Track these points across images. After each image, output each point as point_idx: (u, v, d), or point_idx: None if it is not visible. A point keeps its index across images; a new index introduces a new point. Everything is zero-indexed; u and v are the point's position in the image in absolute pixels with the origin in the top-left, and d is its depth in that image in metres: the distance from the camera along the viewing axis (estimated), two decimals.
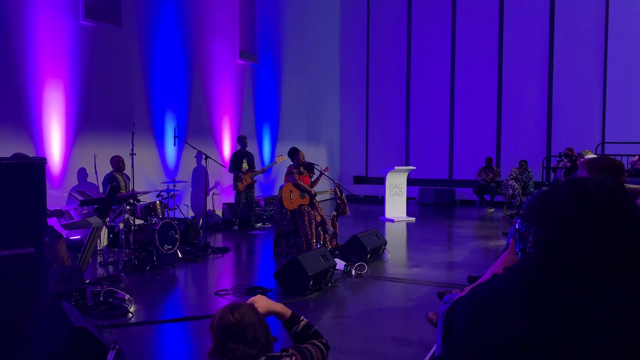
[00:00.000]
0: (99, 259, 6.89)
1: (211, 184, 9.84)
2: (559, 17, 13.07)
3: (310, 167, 7.49)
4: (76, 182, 7.40)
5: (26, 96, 6.77)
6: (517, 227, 1.18)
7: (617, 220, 1.03)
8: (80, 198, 5.60)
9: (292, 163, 7.48)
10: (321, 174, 7.52)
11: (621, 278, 1.02)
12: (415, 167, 11.91)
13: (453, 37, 14.23)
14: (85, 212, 5.52)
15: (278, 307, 2.01)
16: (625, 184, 3.13)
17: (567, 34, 12.99)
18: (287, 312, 2.02)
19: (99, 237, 6.24)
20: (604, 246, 1.02)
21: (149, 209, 6.87)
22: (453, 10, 14.21)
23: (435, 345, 3.60)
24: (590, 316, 0.99)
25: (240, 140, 9.68)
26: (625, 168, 3.78)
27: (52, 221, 5.64)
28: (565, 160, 9.78)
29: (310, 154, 10.69)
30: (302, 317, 2.05)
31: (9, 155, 5.15)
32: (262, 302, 1.94)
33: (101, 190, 7.29)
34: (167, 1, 9.06)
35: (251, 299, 1.94)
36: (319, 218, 7.10)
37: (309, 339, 1.97)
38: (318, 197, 7.51)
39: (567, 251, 1.04)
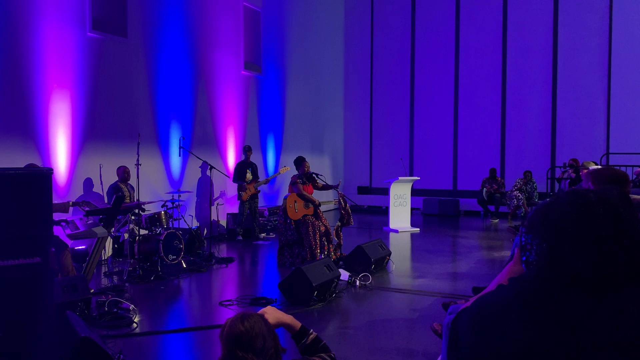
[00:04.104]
0: (104, 269, 6.91)
1: (216, 194, 9.87)
2: (563, 27, 13.11)
3: (311, 177, 7.49)
4: (82, 192, 7.44)
5: (33, 107, 6.84)
6: (521, 238, 1.19)
7: (618, 231, 1.04)
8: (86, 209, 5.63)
9: (296, 173, 7.50)
10: (334, 187, 7.49)
11: (624, 288, 1.03)
12: (419, 178, 11.91)
13: (457, 48, 14.29)
14: (90, 222, 5.54)
15: (288, 318, 2.02)
16: (630, 195, 3.13)
17: (571, 44, 13.02)
18: (297, 324, 2.02)
19: (104, 247, 6.26)
20: (604, 256, 1.03)
21: (154, 219, 6.89)
22: (457, 22, 14.28)
23: (440, 357, 3.59)
24: (594, 327, 1.00)
25: (245, 150, 9.74)
26: (630, 179, 3.78)
27: (58, 231, 5.67)
28: (570, 170, 9.76)
29: (314, 164, 10.73)
30: (312, 330, 2.05)
31: (17, 166, 5.19)
32: (272, 313, 1.95)
33: (106, 201, 7.32)
34: (173, 13, 9.15)
35: (261, 310, 1.96)
36: (323, 228, 7.10)
37: (317, 352, 1.98)
38: (322, 208, 7.51)
39: (568, 262, 1.05)
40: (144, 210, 6.95)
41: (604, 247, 1.03)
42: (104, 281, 6.29)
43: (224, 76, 10.39)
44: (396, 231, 10.40)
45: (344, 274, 6.12)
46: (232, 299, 5.46)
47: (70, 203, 5.82)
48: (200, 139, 9.71)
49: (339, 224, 7.43)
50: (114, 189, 7.26)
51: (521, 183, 11.91)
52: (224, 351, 1.74)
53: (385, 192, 11.48)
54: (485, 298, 1.16)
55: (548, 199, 1.17)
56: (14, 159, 6.34)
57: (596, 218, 1.05)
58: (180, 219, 7.98)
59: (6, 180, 3.32)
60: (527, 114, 13.53)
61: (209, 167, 8.09)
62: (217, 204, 9.82)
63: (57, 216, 6.08)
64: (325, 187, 7.55)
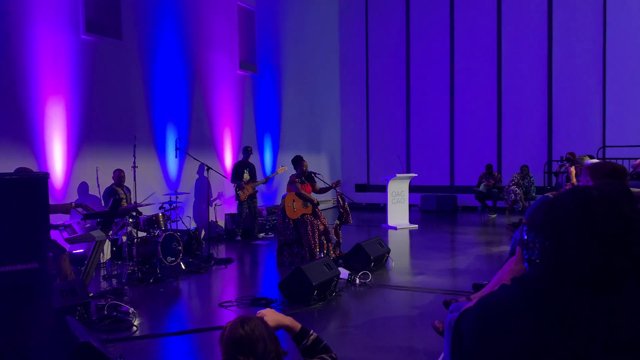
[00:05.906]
0: (103, 272, 6.88)
1: (214, 195, 9.85)
2: (557, 21, 13.11)
3: (310, 177, 7.48)
4: (78, 196, 7.41)
5: (28, 111, 6.80)
6: (522, 236, 1.18)
7: (619, 229, 1.03)
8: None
9: (294, 172, 7.49)
10: (332, 187, 7.47)
11: (627, 287, 1.02)
12: (416, 174, 11.91)
13: (452, 44, 14.28)
14: (88, 225, 5.52)
15: (288, 320, 2.00)
16: (630, 188, 3.13)
17: (566, 37, 13.02)
18: (297, 326, 2.01)
19: (102, 250, 6.24)
20: (605, 254, 1.02)
21: (152, 221, 6.87)
22: (451, 18, 14.27)
23: (442, 355, 3.58)
24: (596, 325, 0.99)
25: (244, 150, 9.73)
26: (628, 172, 3.78)
27: (55, 235, 5.64)
28: (567, 164, 9.78)
29: (311, 162, 10.69)
30: (312, 331, 2.04)
31: (12, 170, 5.15)
32: (271, 316, 1.93)
33: (103, 204, 7.30)
34: (167, 14, 9.12)
35: (260, 312, 1.94)
36: (322, 227, 7.09)
37: (318, 354, 1.97)
38: (321, 206, 7.50)
39: (571, 261, 1.04)
40: (141, 213, 6.92)
41: (605, 245, 1.02)
42: (103, 284, 6.27)
43: (219, 76, 10.36)
44: (395, 228, 10.40)
45: (344, 273, 6.11)
46: (232, 300, 5.44)
47: (73, 204, 5.79)
48: (197, 140, 9.69)
49: (338, 222, 7.42)
50: (109, 192, 7.24)
51: (518, 178, 11.93)
52: (224, 356, 1.72)
53: (383, 189, 11.47)
54: (489, 298, 1.15)
55: (548, 195, 1.16)
56: (9, 163, 6.29)
57: (597, 215, 1.04)
58: (178, 220, 7.96)
59: (2, 185, 3.30)
60: (523, 109, 13.52)
61: (206, 167, 8.07)
62: (215, 205, 9.80)
63: (58, 218, 6.06)
64: (324, 190, 7.51)
